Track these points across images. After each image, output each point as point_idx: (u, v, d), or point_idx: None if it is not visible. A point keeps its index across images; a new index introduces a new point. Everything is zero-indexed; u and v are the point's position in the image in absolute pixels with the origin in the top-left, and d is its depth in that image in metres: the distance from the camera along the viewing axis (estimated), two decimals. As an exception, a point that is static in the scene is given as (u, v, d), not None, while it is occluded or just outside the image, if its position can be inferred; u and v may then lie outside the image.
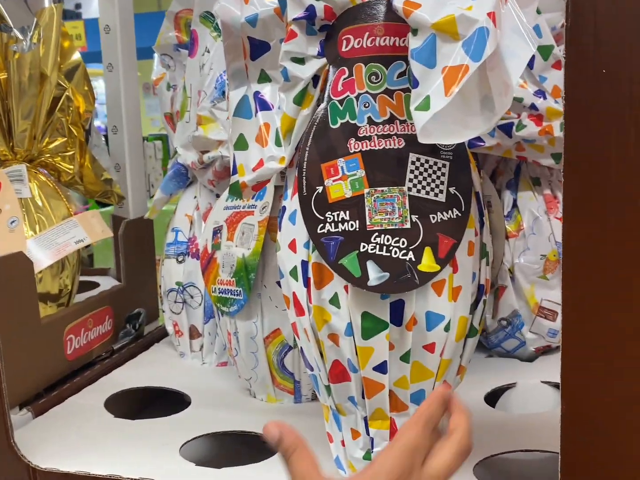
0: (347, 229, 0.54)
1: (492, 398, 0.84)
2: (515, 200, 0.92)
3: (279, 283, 0.77)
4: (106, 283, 1.10)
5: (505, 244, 0.90)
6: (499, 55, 0.47)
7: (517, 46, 0.47)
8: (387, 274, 0.52)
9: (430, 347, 0.55)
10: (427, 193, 0.53)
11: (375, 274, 0.53)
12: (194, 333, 0.97)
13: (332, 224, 0.54)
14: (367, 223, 0.53)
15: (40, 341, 0.82)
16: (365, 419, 0.58)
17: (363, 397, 0.57)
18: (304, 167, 0.56)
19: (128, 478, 0.63)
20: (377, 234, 0.53)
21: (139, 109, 1.10)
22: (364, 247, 0.53)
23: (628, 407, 0.45)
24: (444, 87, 0.46)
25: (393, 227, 0.53)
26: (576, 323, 0.45)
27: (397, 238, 0.53)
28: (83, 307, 0.92)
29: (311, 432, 0.72)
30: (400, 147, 0.53)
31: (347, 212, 0.54)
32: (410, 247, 0.53)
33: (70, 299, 0.94)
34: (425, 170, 0.53)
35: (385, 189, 0.53)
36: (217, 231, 0.83)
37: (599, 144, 0.43)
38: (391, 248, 0.53)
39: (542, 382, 0.84)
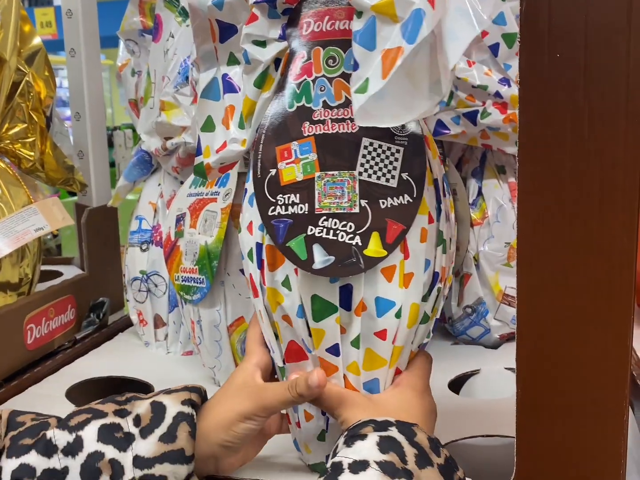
0: (296, 212, 0.54)
1: (457, 385, 0.84)
2: (480, 188, 0.92)
3: (242, 271, 0.77)
4: (70, 272, 1.08)
5: (470, 231, 0.90)
6: (439, 37, 0.46)
7: (460, 28, 0.46)
8: (332, 258, 0.52)
9: (381, 334, 0.54)
10: (379, 178, 0.53)
11: (320, 257, 0.52)
12: (158, 322, 0.96)
13: (283, 207, 0.54)
14: (316, 206, 0.53)
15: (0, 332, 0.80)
16: None
17: None
18: (260, 150, 0.56)
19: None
20: (325, 217, 0.53)
21: (102, 95, 1.08)
22: (311, 230, 0.53)
23: (581, 392, 0.45)
24: (382, 69, 0.46)
25: (341, 211, 0.53)
26: (530, 308, 0.45)
27: (344, 222, 0.52)
28: (44, 296, 0.90)
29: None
30: (354, 131, 0.53)
31: (298, 195, 0.54)
32: (358, 232, 0.52)
33: (31, 288, 0.93)
34: (378, 155, 0.53)
35: (335, 172, 0.53)
36: (180, 218, 0.82)
37: (554, 128, 0.43)
38: (338, 232, 0.53)
39: (505, 368, 0.85)
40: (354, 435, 0.49)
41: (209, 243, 0.77)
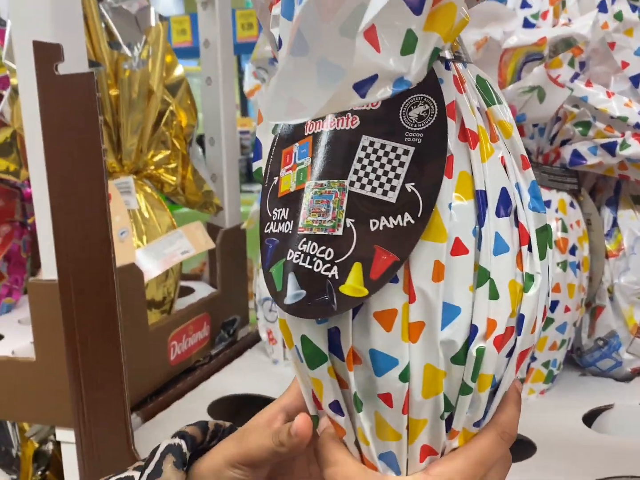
0: (282, 231, 0.42)
1: (589, 419, 0.83)
2: (615, 219, 0.91)
3: None
4: (200, 289, 1.14)
5: (605, 263, 0.89)
6: None
7: None
8: (304, 292, 0.40)
9: (385, 398, 0.40)
10: (374, 190, 0.39)
11: (292, 291, 0.40)
12: (288, 342, 0.99)
13: (274, 224, 0.43)
14: (299, 225, 0.41)
15: (148, 347, 0.86)
16: None
17: None
18: (271, 154, 0.45)
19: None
20: (304, 239, 0.40)
21: (235, 122, 1.14)
22: (290, 254, 0.40)
23: None
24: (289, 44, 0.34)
25: (322, 232, 0.39)
26: None
27: (323, 247, 0.39)
28: (185, 314, 0.96)
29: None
30: (353, 127, 0.40)
31: (287, 210, 0.42)
32: (337, 261, 0.39)
33: (172, 306, 0.98)
34: (378, 158, 0.39)
35: (325, 182, 0.40)
36: None
37: None
38: (315, 259, 0.39)
39: (640, 404, 0.83)
40: None
41: None
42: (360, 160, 0.39)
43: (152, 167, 1.00)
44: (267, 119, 0.35)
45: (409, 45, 0.32)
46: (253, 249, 1.21)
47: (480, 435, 0.41)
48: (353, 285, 0.38)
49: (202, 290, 1.12)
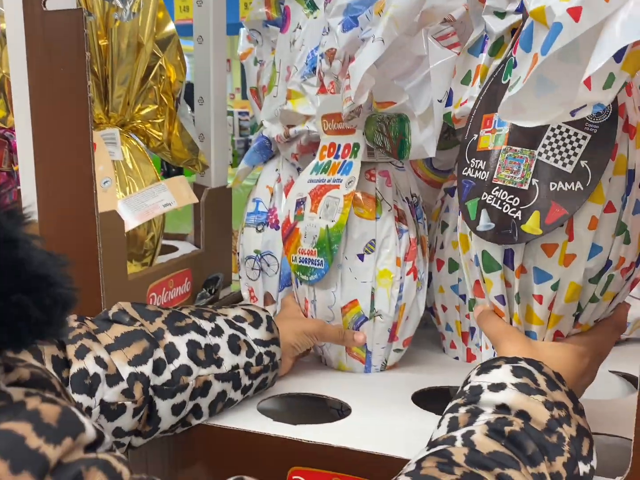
0: (479, 177, 0.59)
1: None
2: None
3: (360, 256, 0.80)
4: (184, 248, 1.14)
5: None
6: (589, 47, 0.46)
7: (611, 36, 0.45)
8: (493, 225, 0.57)
9: (538, 298, 0.58)
10: (556, 161, 0.54)
11: (484, 222, 0.58)
12: (268, 300, 1.00)
13: (472, 170, 0.60)
14: (494, 176, 0.57)
15: (126, 297, 0.86)
16: None
17: None
18: (472, 114, 0.61)
19: (215, 426, 0.68)
20: (497, 187, 0.57)
21: (225, 81, 1.14)
22: (484, 196, 0.58)
23: None
24: (527, 73, 0.49)
25: (512, 185, 0.56)
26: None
27: (512, 196, 0.56)
28: (165, 267, 0.96)
29: (388, 396, 0.76)
30: None
31: (484, 163, 0.59)
32: (521, 207, 0.55)
33: (154, 260, 0.99)
34: (563, 139, 0.54)
35: (518, 149, 0.56)
36: (300, 203, 0.85)
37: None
38: (504, 203, 0.56)
39: (609, 371, 0.85)
40: (488, 367, 0.56)
41: (329, 227, 0.80)
42: (548, 137, 0.54)
43: (139, 121, 1.00)
44: (502, 117, 0.51)
45: (608, 83, 0.46)
46: (241, 207, 1.21)
47: (602, 325, 0.61)
48: (532, 226, 0.54)
49: (185, 249, 1.13)
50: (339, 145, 0.84)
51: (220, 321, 0.71)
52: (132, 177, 0.95)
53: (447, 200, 0.93)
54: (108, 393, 0.60)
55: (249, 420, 0.70)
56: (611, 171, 0.54)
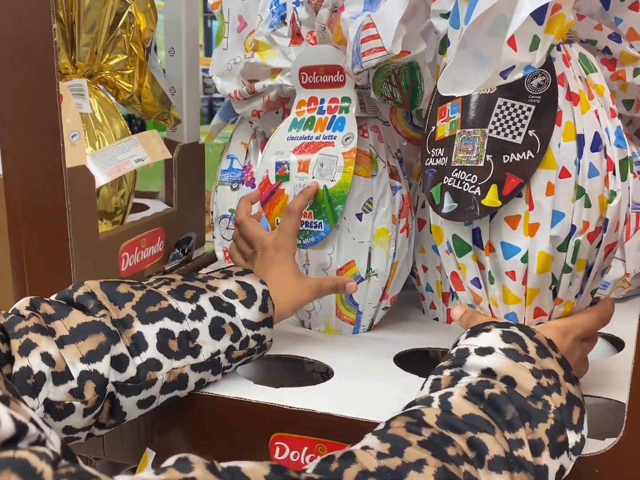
0: (439, 164, 0.62)
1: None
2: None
3: (358, 216, 0.78)
4: (155, 206, 1.10)
5: None
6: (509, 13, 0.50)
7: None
8: (456, 205, 0.59)
9: (510, 275, 0.59)
10: (506, 135, 0.57)
11: (448, 204, 0.60)
12: (244, 260, 0.97)
13: (433, 159, 0.63)
14: (452, 159, 0.60)
15: (98, 256, 0.83)
16: None
17: (474, 305, 0.64)
18: (429, 110, 0.64)
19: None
20: (456, 169, 0.60)
21: (197, 32, 1.08)
22: (445, 180, 0.60)
23: None
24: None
25: (469, 165, 0.59)
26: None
27: (470, 174, 0.58)
28: (138, 226, 0.92)
29: (370, 359, 0.74)
30: (492, 92, 0.57)
31: (442, 149, 0.61)
32: (479, 183, 0.58)
33: (125, 218, 0.95)
34: (509, 113, 0.57)
35: (471, 130, 0.59)
36: (282, 162, 0.82)
37: None
38: (464, 183, 0.59)
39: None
40: (478, 330, 0.55)
41: (329, 187, 0.77)
42: (496, 114, 0.57)
43: (108, 72, 0.95)
44: (441, 91, 0.53)
45: (534, 44, 0.50)
46: (212, 168, 1.17)
47: (586, 311, 0.61)
48: (490, 199, 0.57)
49: (157, 207, 1.08)
50: (322, 100, 0.80)
51: (203, 301, 0.64)
52: (102, 131, 0.90)
53: (429, 158, 0.91)
54: (54, 392, 0.54)
55: (229, 385, 0.67)
56: (560, 137, 0.56)
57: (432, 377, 0.53)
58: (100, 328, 0.57)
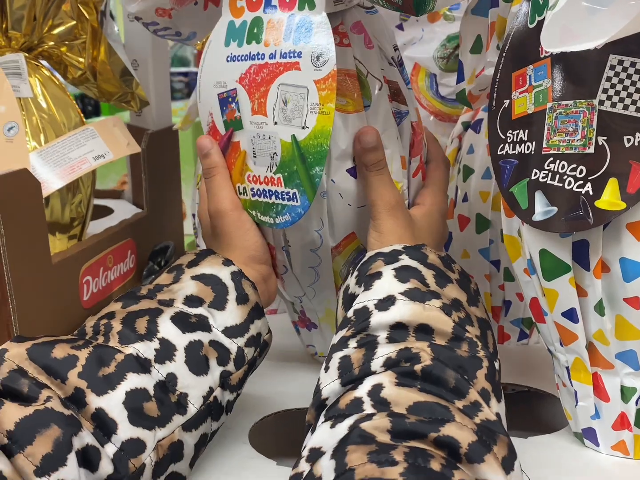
0: (523, 152, 0.47)
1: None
2: None
3: (351, 171, 0.55)
4: (121, 208, 0.90)
5: None
6: None
7: None
8: (555, 209, 0.45)
9: (632, 302, 0.46)
10: (626, 107, 0.42)
11: (541, 207, 0.46)
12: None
13: (511, 145, 0.48)
14: (544, 145, 0.46)
15: (51, 286, 0.63)
16: (567, 369, 0.52)
17: (561, 344, 0.51)
18: (497, 77, 0.50)
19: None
20: (551, 159, 0.45)
21: (162, -10, 0.87)
22: (535, 174, 0.46)
23: None
24: None
25: (572, 151, 0.44)
26: None
27: (574, 165, 0.44)
28: (101, 240, 0.72)
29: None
30: (599, 47, 0.40)
31: (526, 131, 0.47)
32: (590, 177, 0.44)
33: (84, 231, 0.75)
34: (629, 76, 0.42)
35: (570, 102, 0.44)
36: (227, 98, 0.56)
37: None
38: (565, 177, 0.45)
39: None
40: (367, 274, 0.49)
41: (300, 139, 0.52)
42: (609, 79, 0.43)
43: (52, 43, 0.74)
44: (548, 48, 0.40)
45: None
46: (188, 158, 0.97)
47: (435, 168, 0.60)
48: (610, 199, 0.43)
49: (123, 210, 0.88)
50: None
51: (166, 328, 0.49)
52: (48, 121, 0.69)
53: (469, 138, 0.73)
54: None
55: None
56: None
57: (337, 354, 0.45)
58: (50, 418, 0.40)
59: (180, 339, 0.49)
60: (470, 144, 0.71)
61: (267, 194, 0.55)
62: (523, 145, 0.47)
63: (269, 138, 0.53)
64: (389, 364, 0.43)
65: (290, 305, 0.68)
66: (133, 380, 0.45)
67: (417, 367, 0.42)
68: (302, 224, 0.56)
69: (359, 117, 0.54)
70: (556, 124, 0.45)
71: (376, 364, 0.43)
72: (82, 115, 0.74)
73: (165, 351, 0.48)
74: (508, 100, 0.49)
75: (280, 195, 0.54)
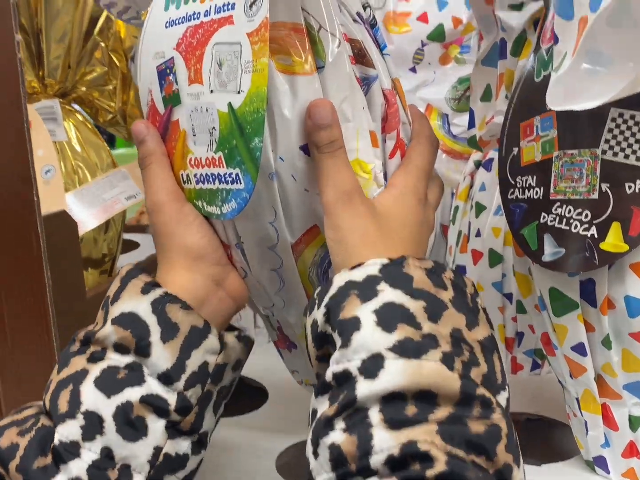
0: (531, 197, 0.50)
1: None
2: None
3: (304, 148, 0.44)
4: (147, 242, 0.94)
5: None
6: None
7: None
8: (563, 250, 0.48)
9: (638, 336, 0.48)
10: (627, 157, 0.45)
11: (550, 249, 0.49)
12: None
13: (520, 190, 0.51)
14: (551, 191, 0.49)
15: (86, 318, 0.66)
16: (577, 400, 0.54)
17: (571, 377, 0.53)
18: (506, 126, 0.52)
19: None
20: (558, 204, 0.48)
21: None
22: (544, 217, 0.49)
23: None
24: (576, 43, 0.40)
25: (577, 197, 0.47)
26: None
27: (579, 210, 0.47)
28: (131, 275, 0.76)
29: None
30: None
31: (535, 178, 0.50)
32: (594, 222, 0.46)
33: (114, 265, 0.79)
34: (629, 128, 0.45)
35: (575, 152, 0.47)
36: (166, 70, 0.47)
37: None
38: (572, 221, 0.48)
39: None
40: (340, 318, 0.38)
41: (236, 105, 0.42)
42: (610, 130, 0.45)
43: (84, 89, 0.79)
44: (551, 106, 0.41)
45: None
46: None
47: (419, 144, 0.49)
48: (613, 242, 0.45)
49: (149, 244, 0.92)
50: None
51: (89, 398, 0.41)
52: (81, 162, 0.74)
53: (481, 176, 0.76)
54: None
55: None
56: None
57: (324, 440, 0.36)
58: None
59: (106, 407, 0.41)
60: (482, 182, 0.74)
61: (211, 179, 0.45)
62: (532, 190, 0.50)
63: (207, 110, 0.44)
64: (393, 465, 0.34)
65: (266, 321, 0.57)
66: (67, 470, 0.40)
67: (430, 475, 0.33)
68: (251, 214, 0.45)
69: (309, 81, 0.43)
70: (562, 171, 0.48)
71: (376, 460, 0.35)
72: (112, 156, 0.78)
73: (92, 426, 0.41)
74: (517, 148, 0.52)
75: (223, 178, 0.44)
